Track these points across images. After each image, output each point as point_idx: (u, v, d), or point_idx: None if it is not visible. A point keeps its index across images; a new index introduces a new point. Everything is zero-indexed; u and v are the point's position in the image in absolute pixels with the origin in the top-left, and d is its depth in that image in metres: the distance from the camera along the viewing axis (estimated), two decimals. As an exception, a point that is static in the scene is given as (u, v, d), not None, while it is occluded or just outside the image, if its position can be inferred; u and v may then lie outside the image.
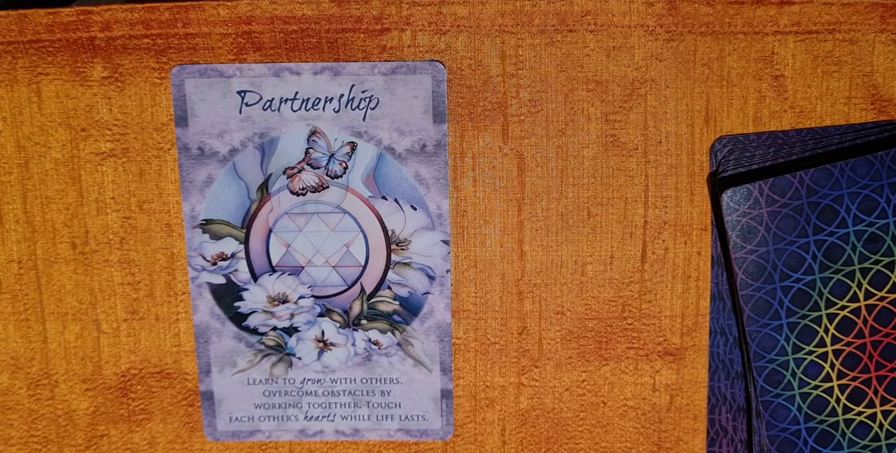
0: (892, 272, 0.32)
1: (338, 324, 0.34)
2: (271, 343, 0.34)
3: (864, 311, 0.32)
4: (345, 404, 0.34)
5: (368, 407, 0.35)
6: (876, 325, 0.32)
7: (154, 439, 0.35)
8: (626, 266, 0.33)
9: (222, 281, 0.34)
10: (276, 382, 0.34)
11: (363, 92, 0.32)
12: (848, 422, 0.32)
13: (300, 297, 0.34)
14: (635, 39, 0.32)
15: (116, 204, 0.33)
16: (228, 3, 0.32)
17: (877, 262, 0.31)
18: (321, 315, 0.34)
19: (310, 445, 0.35)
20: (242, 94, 0.32)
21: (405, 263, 0.33)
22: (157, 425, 0.35)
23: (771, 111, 0.32)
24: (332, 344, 0.34)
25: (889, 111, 0.32)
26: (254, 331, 0.34)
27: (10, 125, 0.33)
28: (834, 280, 0.31)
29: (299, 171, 0.33)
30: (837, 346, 0.32)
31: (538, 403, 0.35)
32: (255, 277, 0.34)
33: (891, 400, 0.32)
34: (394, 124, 0.32)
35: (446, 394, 0.34)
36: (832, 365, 0.32)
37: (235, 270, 0.34)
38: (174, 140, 0.33)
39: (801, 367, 0.32)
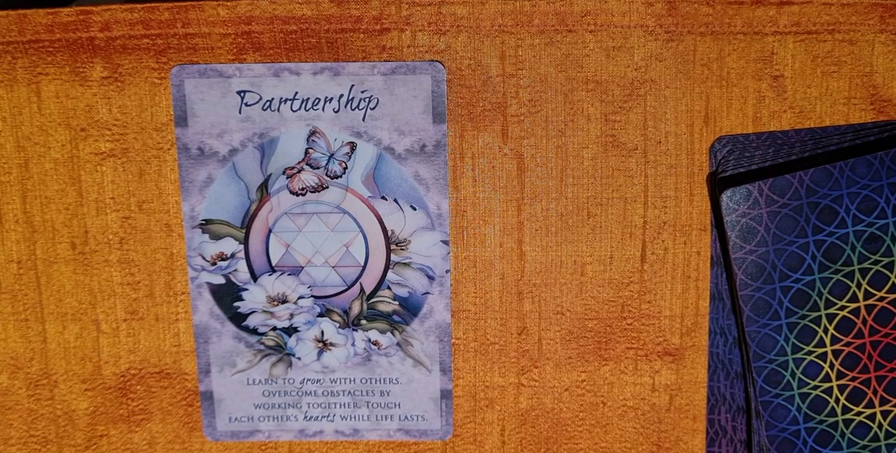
0: (892, 272, 0.32)
1: (337, 324, 0.34)
2: (271, 343, 0.34)
3: (863, 311, 0.32)
4: (344, 404, 0.34)
5: (368, 407, 0.35)
6: (875, 325, 0.32)
7: (154, 439, 0.35)
8: (625, 266, 0.33)
9: (222, 281, 0.34)
10: (276, 382, 0.34)
11: (363, 92, 0.32)
12: (847, 422, 0.32)
13: (300, 297, 0.34)
14: (635, 39, 0.32)
15: (116, 204, 0.33)
16: (228, 3, 0.32)
17: (876, 262, 0.31)
18: (321, 315, 0.34)
19: (309, 445, 0.35)
20: (242, 94, 0.32)
21: (405, 263, 0.33)
22: (156, 425, 0.35)
23: (771, 111, 0.32)
24: (331, 344, 0.34)
25: (889, 111, 0.32)
26: (253, 331, 0.34)
27: (10, 125, 0.33)
28: (833, 280, 0.31)
29: (299, 171, 0.33)
30: (837, 346, 0.32)
31: (538, 403, 0.35)
32: (254, 277, 0.34)
33: (890, 401, 0.32)
34: (393, 124, 0.32)
35: (446, 394, 0.34)
36: (832, 366, 0.32)
37: (235, 270, 0.34)
38: (174, 140, 0.33)
39: (801, 367, 0.32)
